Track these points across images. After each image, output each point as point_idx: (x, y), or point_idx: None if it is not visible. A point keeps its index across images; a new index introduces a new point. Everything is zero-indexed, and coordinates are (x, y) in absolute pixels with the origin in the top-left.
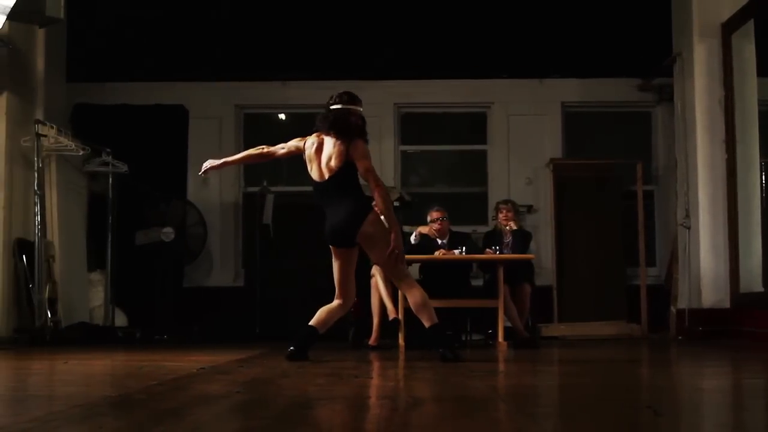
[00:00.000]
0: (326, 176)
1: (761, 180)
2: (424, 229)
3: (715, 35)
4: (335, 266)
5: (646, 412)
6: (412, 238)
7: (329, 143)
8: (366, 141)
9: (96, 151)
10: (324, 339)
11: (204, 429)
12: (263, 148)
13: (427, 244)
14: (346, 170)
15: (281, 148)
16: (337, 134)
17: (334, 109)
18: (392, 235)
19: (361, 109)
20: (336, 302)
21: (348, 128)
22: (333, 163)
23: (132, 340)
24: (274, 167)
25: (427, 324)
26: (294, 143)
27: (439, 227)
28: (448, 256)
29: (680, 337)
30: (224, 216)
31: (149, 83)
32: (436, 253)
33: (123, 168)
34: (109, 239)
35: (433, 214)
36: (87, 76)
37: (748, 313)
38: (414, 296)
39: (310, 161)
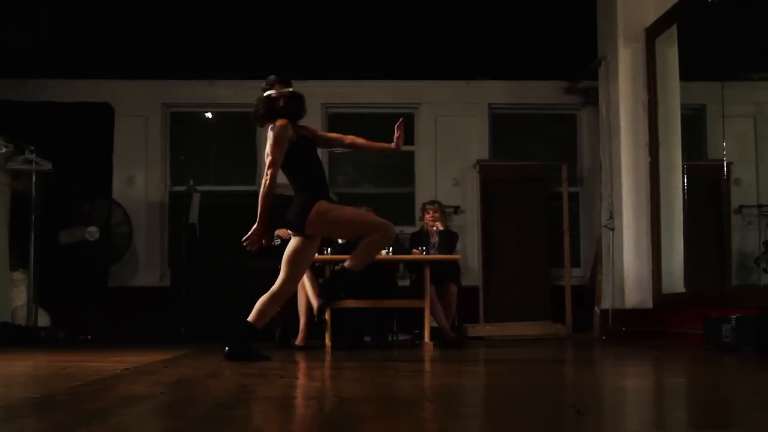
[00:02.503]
0: None
1: (683, 182)
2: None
3: (639, 40)
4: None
5: (570, 411)
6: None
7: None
8: (290, 118)
9: (19, 149)
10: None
11: (128, 430)
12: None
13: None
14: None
15: None
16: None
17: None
18: (254, 227)
19: (276, 91)
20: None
21: (256, 115)
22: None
23: (55, 341)
24: (201, 166)
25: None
26: None
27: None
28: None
29: (604, 337)
30: (150, 215)
31: (74, 80)
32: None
33: (47, 166)
34: (32, 238)
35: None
36: (10, 72)
37: (670, 313)
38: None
39: None
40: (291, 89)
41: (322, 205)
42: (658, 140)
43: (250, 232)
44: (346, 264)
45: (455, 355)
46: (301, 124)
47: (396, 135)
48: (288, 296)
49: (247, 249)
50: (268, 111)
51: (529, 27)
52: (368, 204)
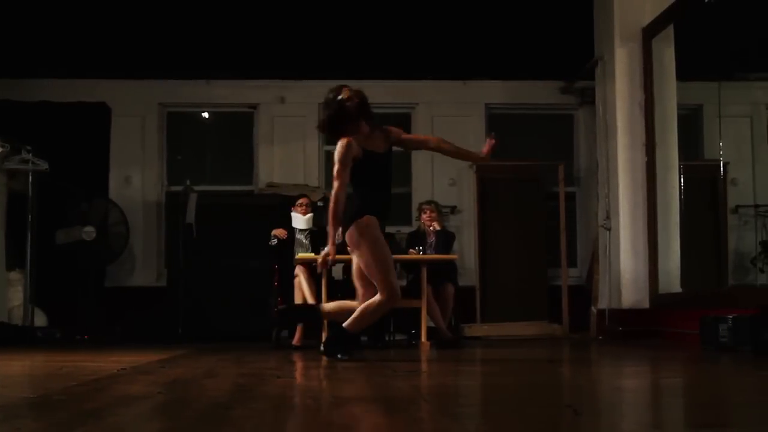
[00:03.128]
0: None
1: (680, 182)
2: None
3: (636, 39)
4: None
5: (567, 411)
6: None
7: None
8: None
9: (16, 149)
10: (247, 340)
11: (125, 430)
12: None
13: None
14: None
15: None
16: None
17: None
18: (326, 249)
19: (341, 97)
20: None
21: (329, 123)
22: None
23: (52, 341)
24: (198, 166)
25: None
26: None
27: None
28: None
29: (600, 337)
30: (147, 215)
31: (71, 80)
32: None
33: (43, 166)
34: (29, 238)
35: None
36: (7, 72)
37: (666, 313)
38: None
39: None
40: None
41: (363, 222)
42: (655, 140)
43: (321, 257)
44: (345, 324)
45: (452, 355)
46: (387, 126)
47: (491, 142)
48: (388, 308)
49: (318, 271)
50: (341, 117)
51: (525, 27)
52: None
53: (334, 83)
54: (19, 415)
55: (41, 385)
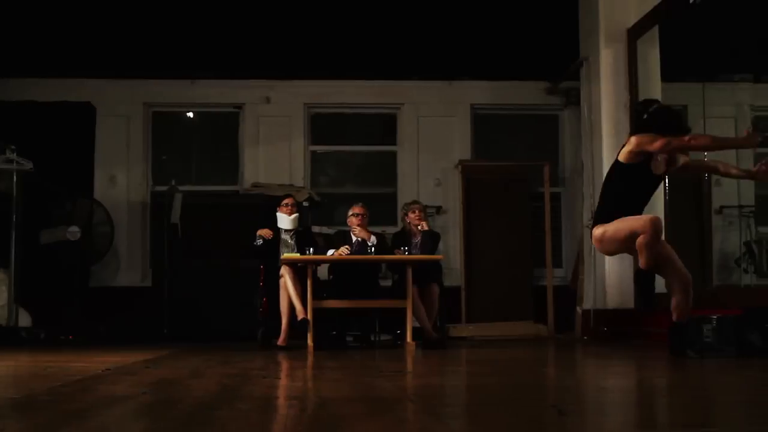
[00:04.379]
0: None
1: (664, 183)
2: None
3: (621, 40)
4: None
5: (552, 411)
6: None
7: None
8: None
9: (0, 148)
10: (233, 340)
11: (109, 431)
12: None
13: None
14: None
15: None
16: None
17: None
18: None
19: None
20: None
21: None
22: None
23: (36, 341)
24: (183, 166)
25: None
26: None
27: (358, 222)
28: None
29: (585, 337)
30: (132, 215)
31: (56, 80)
32: (342, 249)
33: (28, 165)
34: (13, 238)
35: (355, 209)
36: None
37: (651, 314)
38: None
39: None
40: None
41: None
42: None
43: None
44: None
45: (437, 356)
46: None
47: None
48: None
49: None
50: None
51: (511, 27)
52: (349, 204)
53: (320, 83)
54: (3, 416)
55: (25, 385)
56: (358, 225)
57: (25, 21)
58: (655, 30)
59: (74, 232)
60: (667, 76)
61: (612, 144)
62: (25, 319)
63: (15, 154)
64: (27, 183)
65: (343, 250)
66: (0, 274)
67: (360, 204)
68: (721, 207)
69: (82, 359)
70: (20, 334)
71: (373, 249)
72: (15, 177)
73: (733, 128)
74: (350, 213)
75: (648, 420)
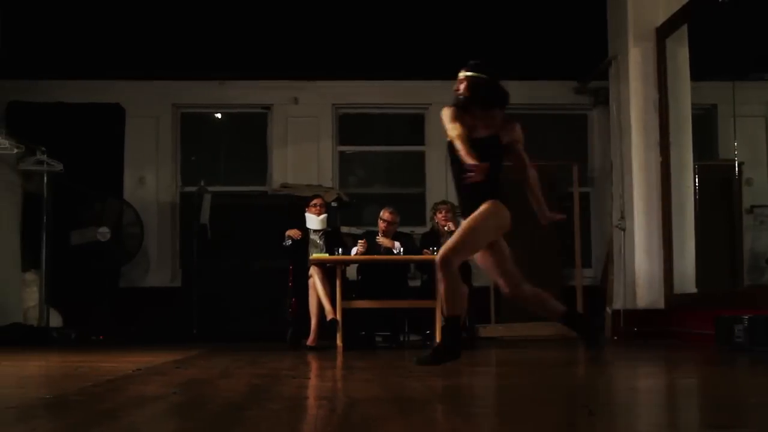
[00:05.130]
0: None
1: (695, 182)
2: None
3: (650, 39)
4: None
5: (582, 411)
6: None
7: None
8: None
9: (30, 150)
10: (262, 340)
11: (140, 430)
12: None
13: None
14: None
15: None
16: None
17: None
18: None
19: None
20: None
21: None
22: None
23: (67, 341)
24: (212, 167)
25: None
26: None
27: (384, 228)
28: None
29: (615, 338)
30: (161, 216)
31: (85, 81)
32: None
33: (58, 167)
34: (44, 239)
35: (384, 214)
36: (22, 73)
37: (681, 314)
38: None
39: None
40: None
41: None
42: (669, 140)
43: None
44: None
45: (466, 356)
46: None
47: (560, 218)
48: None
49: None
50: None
51: (539, 27)
52: (378, 204)
53: (347, 83)
54: (35, 416)
55: (57, 385)
56: (383, 231)
57: (55, 23)
58: (684, 28)
59: (104, 233)
60: (696, 75)
61: (641, 143)
62: (56, 320)
63: (45, 155)
64: (57, 184)
65: (360, 246)
66: (31, 275)
67: (390, 210)
68: (752, 206)
69: (113, 359)
70: (51, 334)
71: (400, 254)
72: (45, 178)
73: (764, 127)
74: (380, 217)
75: (678, 421)
